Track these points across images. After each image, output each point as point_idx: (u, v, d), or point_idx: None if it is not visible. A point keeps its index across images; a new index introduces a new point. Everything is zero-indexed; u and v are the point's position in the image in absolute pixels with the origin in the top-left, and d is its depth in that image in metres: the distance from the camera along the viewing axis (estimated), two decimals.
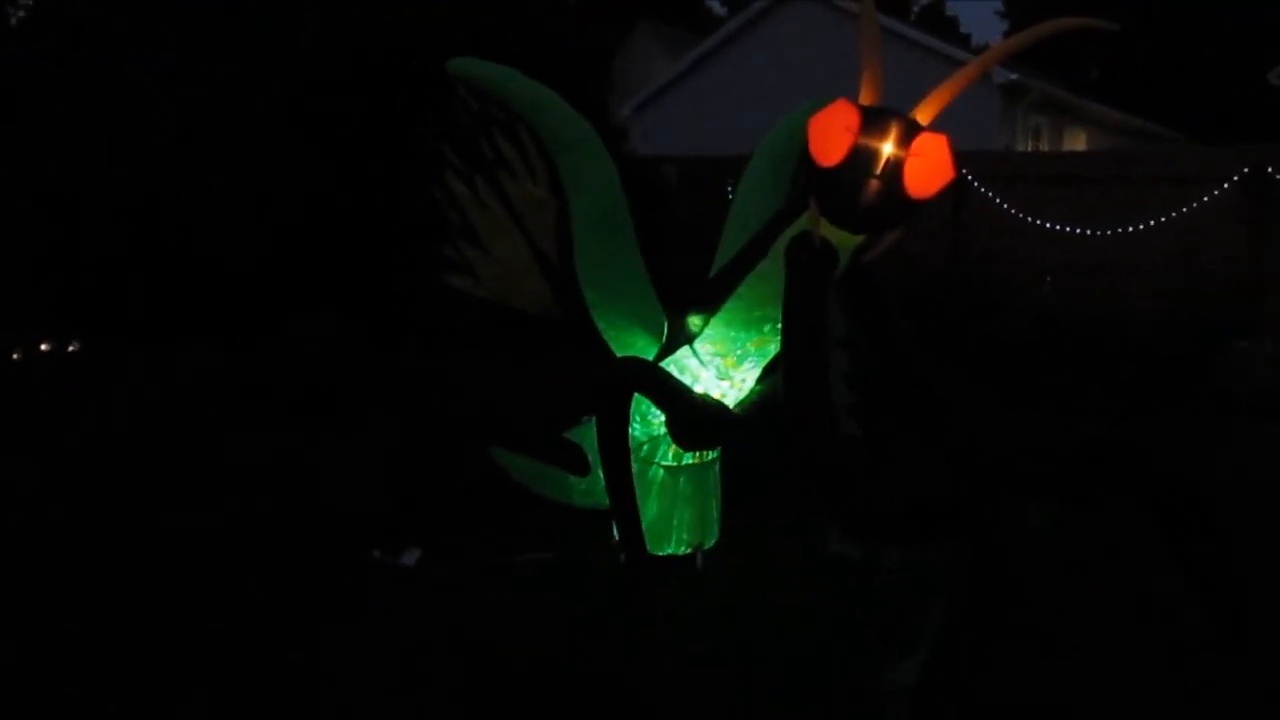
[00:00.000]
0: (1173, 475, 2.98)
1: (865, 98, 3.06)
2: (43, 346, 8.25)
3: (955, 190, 9.75)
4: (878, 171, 2.95)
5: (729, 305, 3.54)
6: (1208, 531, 2.99)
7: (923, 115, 3.03)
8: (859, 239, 3.21)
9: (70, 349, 8.26)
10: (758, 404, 3.72)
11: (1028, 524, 2.45)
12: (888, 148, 2.94)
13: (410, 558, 3.85)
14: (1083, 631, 3.47)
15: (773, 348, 3.60)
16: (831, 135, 2.99)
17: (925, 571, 2.52)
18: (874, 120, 2.95)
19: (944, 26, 27.14)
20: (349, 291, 8.43)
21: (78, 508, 4.59)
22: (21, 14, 10.67)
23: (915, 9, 35.17)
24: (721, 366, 3.70)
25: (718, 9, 35.33)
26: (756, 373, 3.75)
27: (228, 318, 8.42)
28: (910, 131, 2.96)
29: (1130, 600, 3.64)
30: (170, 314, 8.59)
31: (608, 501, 3.77)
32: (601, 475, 3.86)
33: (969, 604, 2.38)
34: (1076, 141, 17.05)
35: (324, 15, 8.82)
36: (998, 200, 9.73)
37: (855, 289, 3.28)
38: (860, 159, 2.95)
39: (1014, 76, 14.39)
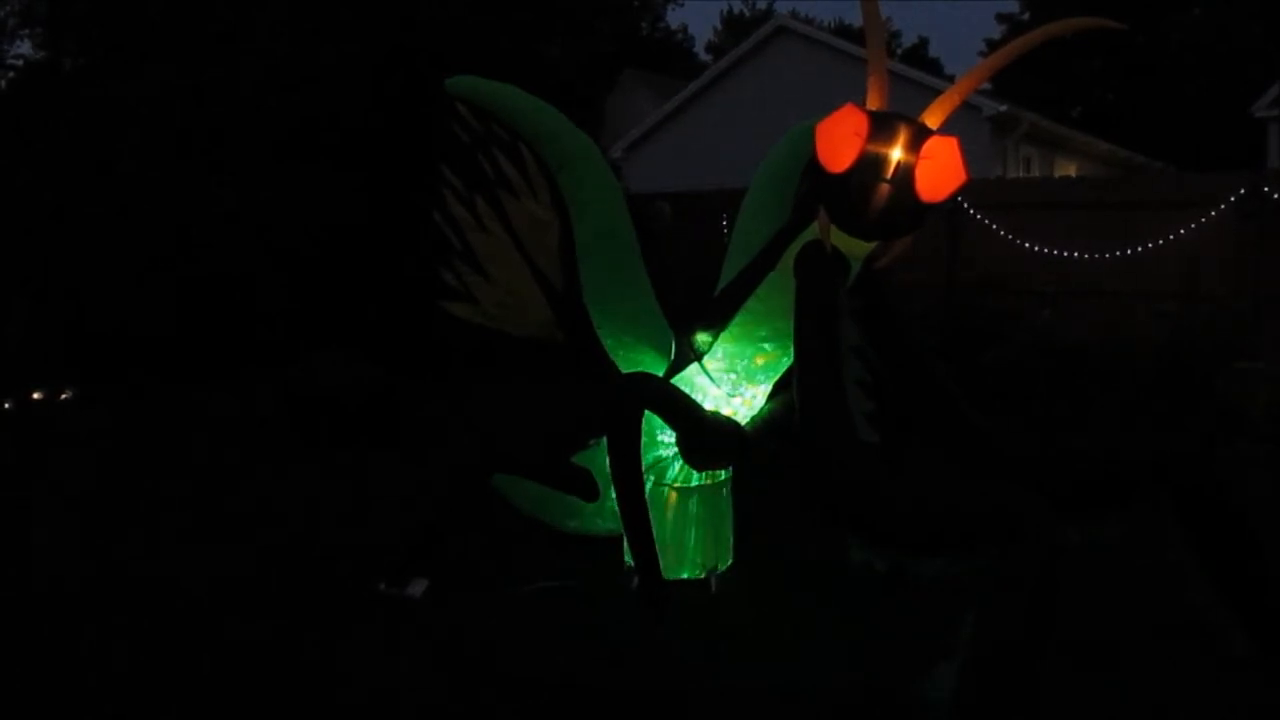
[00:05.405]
0: (1210, 486, 2.91)
1: (872, 103, 3.02)
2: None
3: (951, 217, 9.74)
4: (888, 176, 2.89)
5: (738, 320, 3.47)
6: (1246, 543, 2.92)
7: (931, 119, 2.98)
8: (870, 247, 3.15)
9: (64, 396, 8.15)
10: (770, 420, 3.63)
11: (1061, 538, 2.36)
12: (897, 152, 2.89)
13: (417, 589, 3.73)
14: (1118, 645, 3.38)
15: (785, 362, 3.52)
16: (840, 141, 2.94)
17: (959, 582, 2.43)
18: (882, 125, 2.91)
19: (927, 68, 27.44)
20: (365, 321, 8.46)
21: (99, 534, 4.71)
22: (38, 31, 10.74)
23: (899, 51, 35.56)
24: (733, 383, 3.62)
25: (702, 55, 35.78)
26: (768, 388, 3.67)
27: (246, 350, 8.47)
28: (919, 135, 2.91)
29: (1165, 614, 3.54)
30: (187, 349, 8.64)
31: (615, 526, 3.67)
32: (607, 501, 3.76)
33: (1011, 619, 2.29)
34: (1066, 172, 17.12)
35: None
36: (993, 226, 9.71)
37: (867, 297, 3.21)
38: (869, 164, 2.90)
39: (1003, 108, 14.46)
